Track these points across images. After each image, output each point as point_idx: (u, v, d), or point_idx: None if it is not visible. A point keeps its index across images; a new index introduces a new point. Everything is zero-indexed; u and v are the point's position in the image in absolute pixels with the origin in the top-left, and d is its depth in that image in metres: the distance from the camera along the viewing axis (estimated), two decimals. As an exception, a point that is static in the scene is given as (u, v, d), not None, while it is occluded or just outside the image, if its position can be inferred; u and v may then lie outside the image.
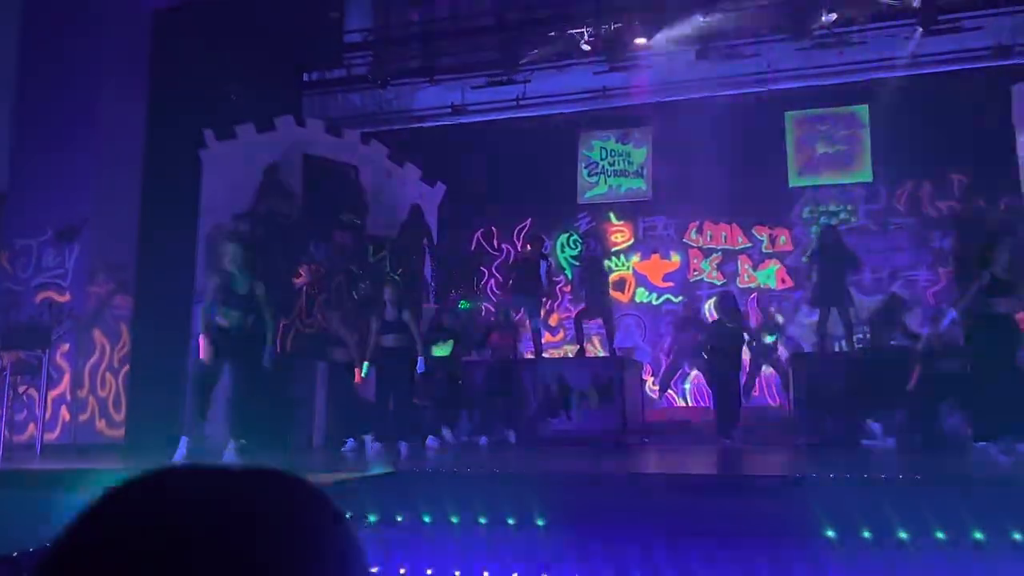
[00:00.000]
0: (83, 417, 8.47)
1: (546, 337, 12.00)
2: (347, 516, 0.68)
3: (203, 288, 9.11)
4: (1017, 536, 2.86)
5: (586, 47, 10.67)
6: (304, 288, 9.04)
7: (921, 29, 9.82)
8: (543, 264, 9.73)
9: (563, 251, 12.34)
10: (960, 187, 10.53)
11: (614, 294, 11.97)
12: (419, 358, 7.50)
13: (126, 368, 8.88)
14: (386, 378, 7.45)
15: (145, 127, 9.14)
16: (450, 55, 11.65)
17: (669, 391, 11.11)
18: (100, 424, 8.64)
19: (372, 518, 2.88)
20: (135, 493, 0.62)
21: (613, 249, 12.14)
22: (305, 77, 11.86)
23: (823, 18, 9.88)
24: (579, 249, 11.82)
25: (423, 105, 12.24)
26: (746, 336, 9.02)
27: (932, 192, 10.87)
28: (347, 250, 9.14)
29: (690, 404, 11.15)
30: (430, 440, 7.65)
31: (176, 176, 8.95)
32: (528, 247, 10.29)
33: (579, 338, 10.08)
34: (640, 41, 10.56)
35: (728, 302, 9.03)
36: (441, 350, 8.52)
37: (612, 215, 12.31)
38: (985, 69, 10.13)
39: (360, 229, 9.84)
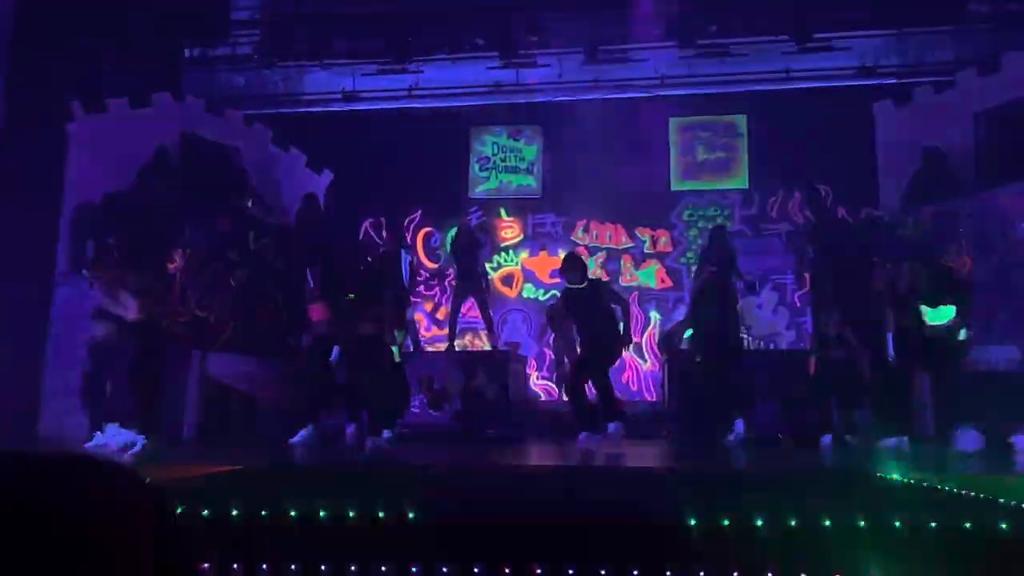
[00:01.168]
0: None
1: (433, 331, 11.96)
2: (172, 505, 0.65)
3: (65, 269, 8.56)
4: (862, 523, 3.05)
5: (480, 41, 10.68)
6: (177, 274, 8.62)
7: (796, 46, 10.39)
8: (405, 257, 9.57)
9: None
10: (825, 198, 11.20)
11: (502, 289, 12.06)
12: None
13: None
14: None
15: (3, 95, 8.47)
16: (342, 40, 11.39)
17: (551, 384, 11.28)
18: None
19: (236, 512, 2.78)
20: None
21: (503, 244, 12.25)
22: (187, 53, 11.31)
23: (707, 29, 10.28)
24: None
25: (312, 89, 11.92)
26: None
27: (801, 201, 11.53)
28: (225, 235, 8.77)
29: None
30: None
31: (38, 149, 8.35)
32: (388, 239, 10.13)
33: (452, 326, 9.96)
34: (533, 39, 10.68)
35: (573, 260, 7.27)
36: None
37: (503, 210, 12.39)
38: (852, 87, 10.82)
39: (241, 214, 9.47)
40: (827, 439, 7.25)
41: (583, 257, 8.25)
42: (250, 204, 9.54)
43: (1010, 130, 8.80)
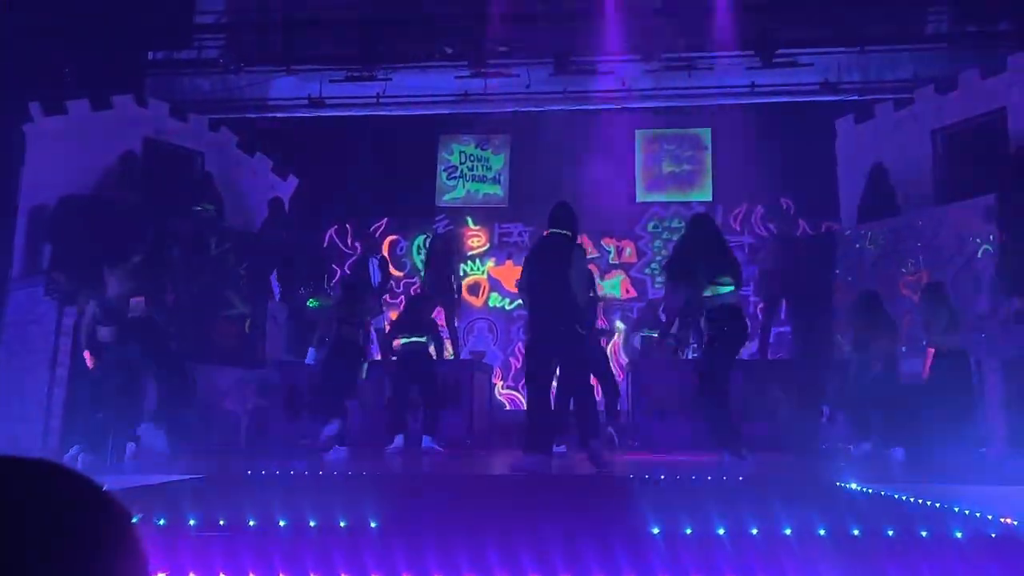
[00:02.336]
0: None
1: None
2: (128, 513, 0.63)
3: (20, 273, 8.35)
4: (822, 531, 3.07)
5: (448, 50, 10.68)
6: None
7: (760, 61, 10.55)
8: (372, 262, 9.51)
9: (419, 252, 12.26)
10: (788, 211, 11.36)
11: (469, 298, 12.02)
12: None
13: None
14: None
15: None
16: (309, 45, 11.31)
17: (516, 394, 11.26)
18: None
19: (192, 521, 2.72)
20: None
21: (469, 253, 12.22)
22: (150, 56, 11.15)
23: (673, 43, 10.40)
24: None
25: (278, 95, 11.80)
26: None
27: (764, 214, 11.69)
28: (186, 240, 8.62)
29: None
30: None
31: (-7, 150, 8.16)
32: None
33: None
34: (502, 49, 10.71)
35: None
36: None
37: (469, 219, 12.38)
38: (815, 103, 11.01)
39: (202, 218, 9.33)
40: None
41: None
42: (214, 210, 9.41)
43: (965, 147, 9.02)
